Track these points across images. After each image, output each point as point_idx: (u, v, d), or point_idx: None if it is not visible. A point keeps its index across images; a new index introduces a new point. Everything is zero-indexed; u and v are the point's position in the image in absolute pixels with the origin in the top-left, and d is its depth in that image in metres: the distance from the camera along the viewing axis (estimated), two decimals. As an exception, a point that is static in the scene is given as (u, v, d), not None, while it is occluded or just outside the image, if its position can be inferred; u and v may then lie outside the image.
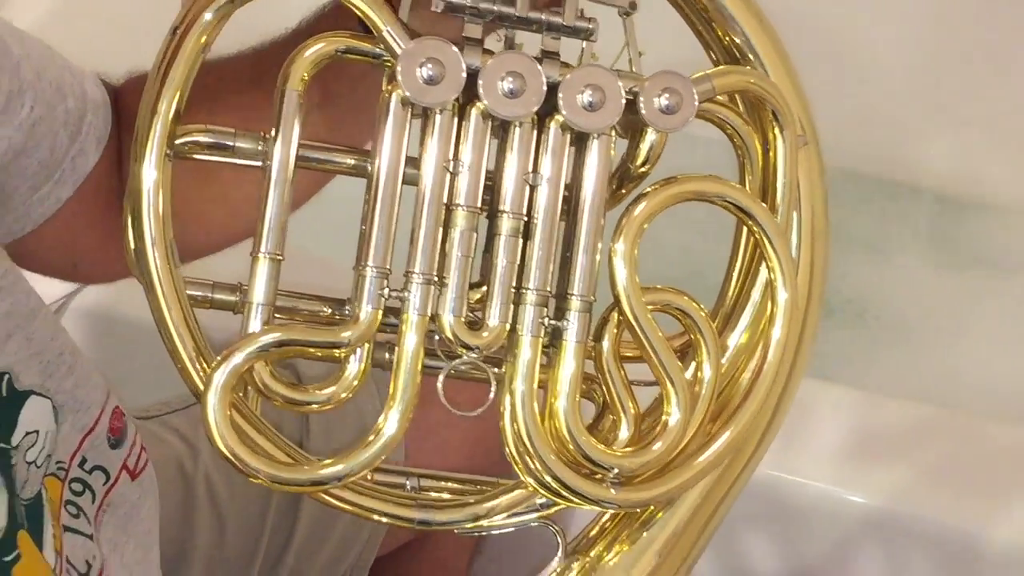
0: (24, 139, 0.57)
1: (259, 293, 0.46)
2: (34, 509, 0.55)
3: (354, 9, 0.45)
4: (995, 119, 1.23)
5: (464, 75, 0.43)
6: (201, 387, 0.45)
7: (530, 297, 0.46)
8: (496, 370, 0.47)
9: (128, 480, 0.62)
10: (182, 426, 0.77)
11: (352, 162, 0.49)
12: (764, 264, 0.49)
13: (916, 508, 0.81)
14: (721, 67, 0.49)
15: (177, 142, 0.46)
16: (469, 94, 0.44)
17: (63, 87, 0.59)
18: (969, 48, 1.22)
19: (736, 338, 0.52)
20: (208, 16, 0.45)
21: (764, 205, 0.48)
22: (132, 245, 0.47)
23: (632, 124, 0.48)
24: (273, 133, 0.45)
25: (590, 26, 0.46)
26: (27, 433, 0.56)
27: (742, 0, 0.49)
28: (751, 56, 0.49)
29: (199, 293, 0.47)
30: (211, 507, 0.76)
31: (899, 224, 1.28)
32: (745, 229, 0.51)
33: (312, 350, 0.46)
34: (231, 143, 0.47)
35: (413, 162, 0.46)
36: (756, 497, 0.75)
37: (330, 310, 0.49)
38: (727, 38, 0.50)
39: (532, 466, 0.46)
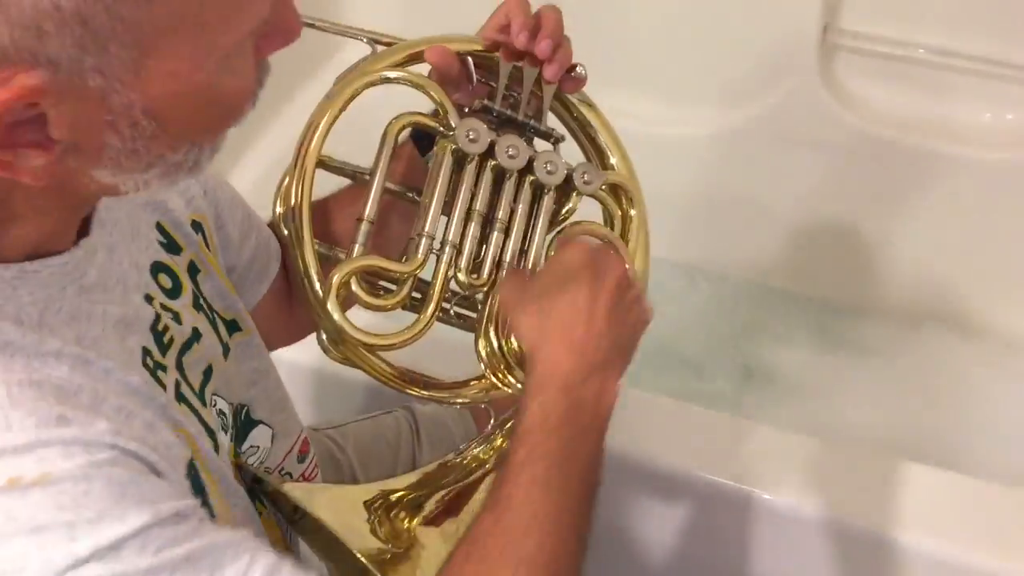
0: (253, 254, 0.77)
1: (361, 238, 0.69)
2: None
3: (432, 100, 0.70)
4: (868, 246, 1.63)
5: (488, 142, 0.69)
6: (321, 294, 0.67)
7: (506, 262, 0.71)
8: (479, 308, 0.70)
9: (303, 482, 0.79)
10: (335, 436, 0.97)
11: (411, 195, 0.73)
12: None
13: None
14: (610, 170, 0.77)
15: (323, 161, 0.70)
16: (487, 154, 0.70)
17: (263, 228, 0.79)
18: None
19: None
20: (355, 87, 0.69)
21: (622, 240, 0.74)
22: (280, 210, 0.70)
23: (565, 190, 0.74)
24: (373, 163, 0.69)
25: (555, 133, 0.73)
26: (250, 446, 0.72)
27: (613, 142, 0.77)
28: (619, 168, 0.77)
29: (322, 250, 0.70)
30: (351, 476, 0.94)
31: (796, 319, 1.66)
32: None
33: (383, 271, 0.69)
34: (350, 165, 0.72)
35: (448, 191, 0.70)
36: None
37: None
38: (606, 159, 0.78)
39: (492, 364, 0.70)
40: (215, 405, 0.66)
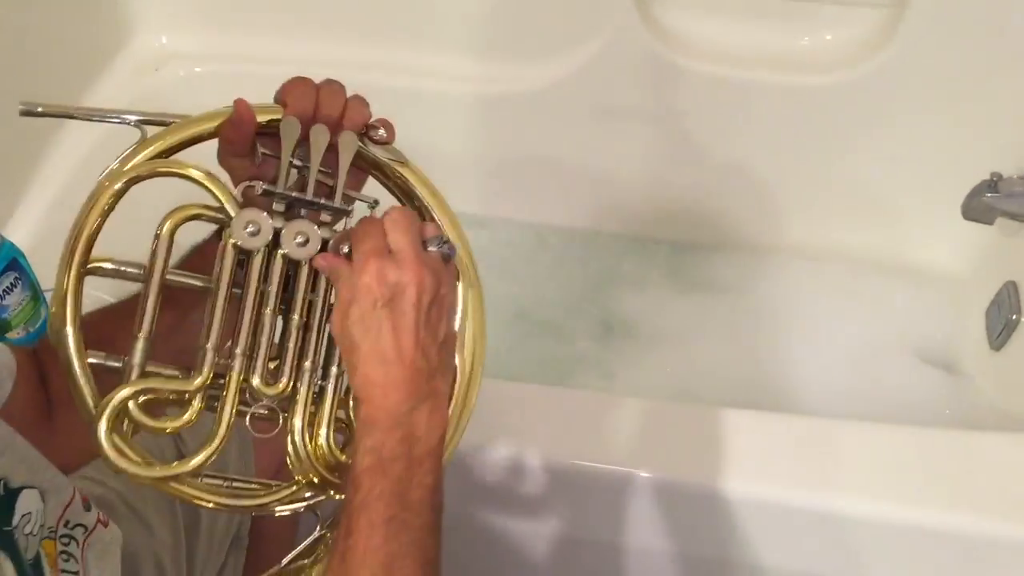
0: None
1: (137, 357, 0.62)
2: (36, 565, 0.67)
3: (205, 190, 0.63)
4: (708, 182, 1.63)
5: (271, 232, 0.63)
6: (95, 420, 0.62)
7: (307, 366, 0.65)
8: (285, 413, 0.65)
9: (102, 528, 0.74)
10: (90, 472, 0.86)
11: (200, 285, 0.66)
12: None
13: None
14: None
15: (89, 265, 0.63)
16: (275, 244, 0.64)
17: None
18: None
19: None
20: (116, 187, 0.63)
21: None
22: (56, 327, 0.63)
23: None
24: (149, 262, 0.63)
25: (349, 208, 0.66)
26: (23, 515, 0.65)
27: (436, 202, 0.70)
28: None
29: (96, 361, 0.63)
30: (132, 514, 0.87)
31: (649, 266, 1.66)
32: None
33: (166, 395, 0.63)
34: (123, 268, 0.64)
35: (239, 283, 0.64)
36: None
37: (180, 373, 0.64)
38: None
39: (302, 471, 0.65)
40: None
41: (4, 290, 1.08)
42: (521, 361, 1.51)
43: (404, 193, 0.70)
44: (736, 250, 1.63)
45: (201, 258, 0.70)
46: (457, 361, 0.68)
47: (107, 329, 0.66)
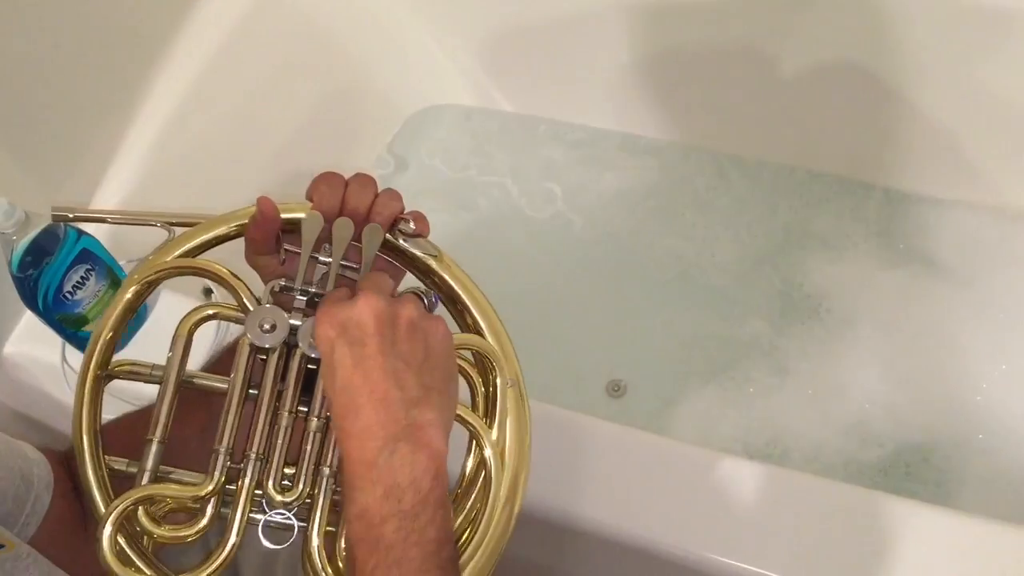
0: None
1: (148, 462, 0.61)
2: None
3: (226, 288, 0.63)
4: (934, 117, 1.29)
5: (287, 330, 0.62)
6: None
7: (325, 471, 0.62)
8: (301, 523, 0.61)
9: None
10: None
11: (218, 385, 0.64)
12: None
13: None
14: (465, 334, 0.67)
15: (108, 369, 0.64)
16: (293, 340, 0.62)
17: (8, 457, 0.69)
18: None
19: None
20: (136, 288, 0.64)
21: (482, 422, 0.64)
22: (72, 434, 0.63)
23: None
24: (167, 359, 0.62)
25: None
26: None
27: (479, 308, 0.67)
28: (484, 332, 0.67)
29: (119, 468, 0.63)
30: None
31: (852, 220, 1.35)
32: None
33: (173, 502, 0.62)
34: (142, 371, 0.64)
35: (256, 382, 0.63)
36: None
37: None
38: (470, 320, 0.68)
39: None
40: None
41: (75, 284, 1.00)
42: (679, 340, 1.30)
43: (442, 290, 0.68)
44: (971, 210, 1.31)
45: (232, 357, 0.67)
46: (493, 466, 0.63)
47: (142, 432, 0.65)
